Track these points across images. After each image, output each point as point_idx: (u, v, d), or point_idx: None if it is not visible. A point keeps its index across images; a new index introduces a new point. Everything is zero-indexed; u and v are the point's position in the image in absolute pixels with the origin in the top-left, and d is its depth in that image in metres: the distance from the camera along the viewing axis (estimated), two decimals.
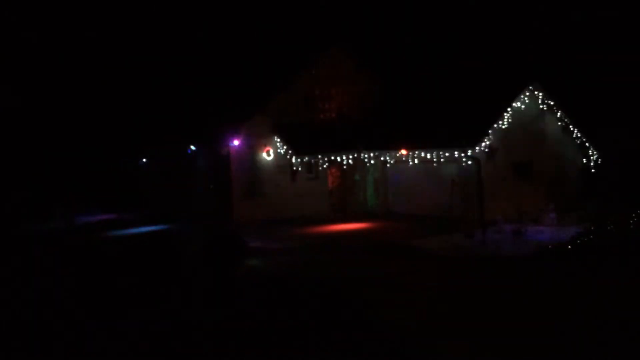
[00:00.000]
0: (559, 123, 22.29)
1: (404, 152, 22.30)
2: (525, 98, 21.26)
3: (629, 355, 7.88)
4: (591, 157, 22.70)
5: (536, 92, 21.58)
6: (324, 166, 25.41)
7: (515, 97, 21.09)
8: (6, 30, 33.36)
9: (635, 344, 8.22)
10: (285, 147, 23.99)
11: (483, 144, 20.04)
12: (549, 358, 7.96)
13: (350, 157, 25.03)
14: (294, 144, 23.87)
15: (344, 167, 25.83)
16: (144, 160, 31.80)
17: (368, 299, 11.46)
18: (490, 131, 20.25)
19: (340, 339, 9.11)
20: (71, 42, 34.99)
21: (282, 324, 9.96)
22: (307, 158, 24.29)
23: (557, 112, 22.11)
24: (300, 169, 24.38)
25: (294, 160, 24.01)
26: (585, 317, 9.53)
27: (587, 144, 22.71)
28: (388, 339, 9.00)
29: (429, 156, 21.84)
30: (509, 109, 20.77)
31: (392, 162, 23.64)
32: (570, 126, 22.39)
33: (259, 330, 9.70)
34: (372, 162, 24.54)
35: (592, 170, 22.38)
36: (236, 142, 23.32)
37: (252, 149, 23.77)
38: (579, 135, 22.53)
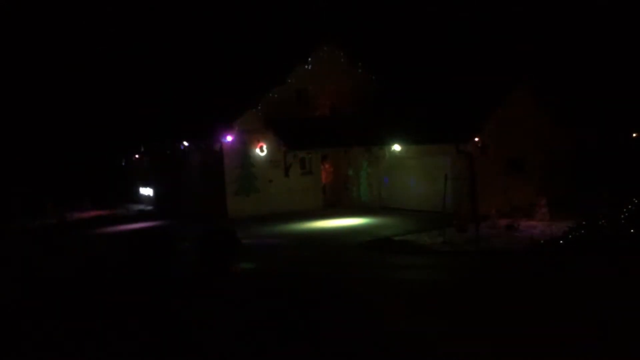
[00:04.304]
0: (550, 119, 22.37)
1: (397, 147, 22.35)
2: (518, 93, 21.33)
3: (624, 348, 7.96)
4: (582, 152, 22.82)
5: (528, 88, 21.65)
6: (317, 161, 25.46)
7: (508, 92, 21.16)
8: (5, 28, 33.19)
9: (627, 336, 8.30)
10: (278, 142, 23.98)
11: (476, 139, 20.10)
12: (542, 351, 8.03)
13: (344, 152, 25.08)
14: (287, 140, 23.87)
15: (337, 162, 25.89)
16: (137, 156, 31.69)
17: (362, 293, 11.51)
18: (483, 126, 20.32)
19: (328, 333, 9.17)
20: (64, 39, 34.79)
21: (271, 325, 9.97)
22: (300, 153, 24.30)
23: (548, 108, 22.20)
24: (293, 164, 24.38)
25: (287, 155, 24.01)
26: (577, 311, 9.61)
27: (577, 138, 22.85)
28: (377, 334, 9.05)
29: (421, 151, 21.92)
30: (502, 104, 20.84)
31: (385, 157, 23.67)
32: (561, 121, 22.50)
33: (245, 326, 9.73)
34: (365, 157, 24.59)
35: (584, 165, 22.49)
36: (229, 138, 23.28)
37: (245, 144, 23.73)
38: (569, 129, 22.65)
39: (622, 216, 15.30)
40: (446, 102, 22.34)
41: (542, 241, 15.41)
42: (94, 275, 14.70)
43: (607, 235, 14.59)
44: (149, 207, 29.77)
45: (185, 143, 25.78)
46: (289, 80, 24.92)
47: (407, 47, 29.10)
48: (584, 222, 15.41)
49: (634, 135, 23.83)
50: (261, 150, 23.97)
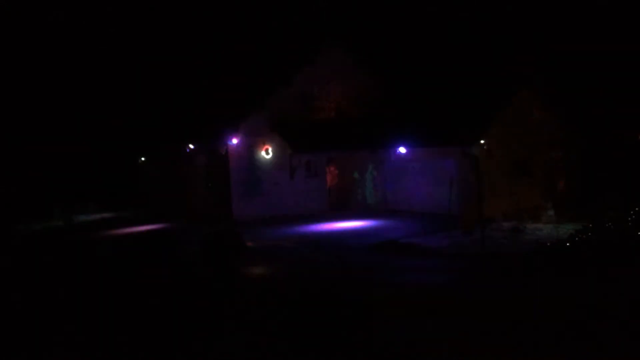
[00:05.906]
0: (556, 121, 22.31)
1: (402, 149, 22.33)
2: (523, 95, 21.27)
3: (627, 352, 7.92)
4: (589, 155, 22.73)
5: (533, 90, 21.60)
6: (323, 164, 25.44)
7: (513, 95, 21.11)
8: (9, 26, 33.41)
9: (632, 340, 8.26)
10: (283, 145, 24.00)
11: (481, 142, 20.06)
12: (545, 353, 8.00)
13: (349, 155, 25.06)
14: (293, 142, 23.88)
15: (343, 165, 25.87)
16: (143, 158, 31.80)
17: (368, 296, 11.48)
18: (488, 129, 20.27)
19: (331, 337, 9.16)
20: (70, 39, 34.98)
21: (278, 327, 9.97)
22: (305, 156, 24.31)
23: (554, 110, 22.14)
24: (299, 167, 24.40)
25: (292, 158, 24.02)
26: (581, 314, 9.57)
27: (584, 141, 22.76)
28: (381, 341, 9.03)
29: (427, 154, 21.89)
30: (507, 107, 20.80)
31: (390, 159, 23.65)
32: (568, 123, 22.43)
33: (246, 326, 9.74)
34: (371, 160, 24.57)
35: (590, 168, 22.41)
36: (235, 141, 23.33)
37: (250, 147, 23.77)
38: (576, 131, 22.57)
39: (630, 219, 15.22)
40: (451, 105, 22.31)
41: (548, 243, 15.35)
42: (98, 274, 14.76)
43: (615, 237, 14.52)
44: (155, 210, 29.83)
45: (191, 146, 25.85)
46: (295, 83, 24.92)
47: (413, 49, 29.06)
48: (591, 225, 15.34)
49: None
50: (267, 153, 24.01)
